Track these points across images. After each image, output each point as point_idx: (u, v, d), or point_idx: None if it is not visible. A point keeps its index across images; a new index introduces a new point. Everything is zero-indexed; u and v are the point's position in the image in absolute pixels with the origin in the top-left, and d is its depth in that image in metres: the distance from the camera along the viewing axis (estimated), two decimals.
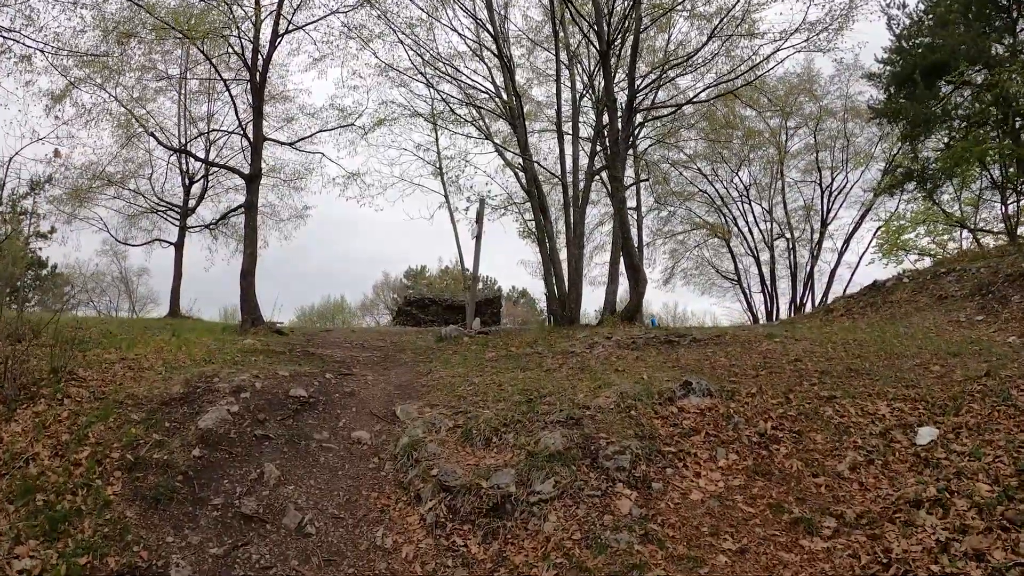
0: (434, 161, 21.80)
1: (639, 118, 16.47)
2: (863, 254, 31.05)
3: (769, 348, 10.50)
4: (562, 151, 16.02)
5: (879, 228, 30.88)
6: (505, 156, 17.16)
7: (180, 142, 24.39)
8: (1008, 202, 27.90)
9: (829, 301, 18.63)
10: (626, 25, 14.34)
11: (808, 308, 30.73)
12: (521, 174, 17.47)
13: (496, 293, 24.09)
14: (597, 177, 17.25)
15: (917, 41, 21.93)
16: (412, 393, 8.58)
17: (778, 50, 14.90)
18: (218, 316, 41.17)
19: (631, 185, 20.88)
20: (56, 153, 20.71)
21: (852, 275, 30.89)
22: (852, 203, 30.56)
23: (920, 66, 20.44)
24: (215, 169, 24.76)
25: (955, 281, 16.42)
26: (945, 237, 30.86)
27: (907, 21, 22.49)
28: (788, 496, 5.87)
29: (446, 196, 21.65)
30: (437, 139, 21.56)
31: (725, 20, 14.85)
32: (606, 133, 13.91)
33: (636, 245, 26.67)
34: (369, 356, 12.14)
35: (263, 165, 21.24)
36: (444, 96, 17.31)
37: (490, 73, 17.59)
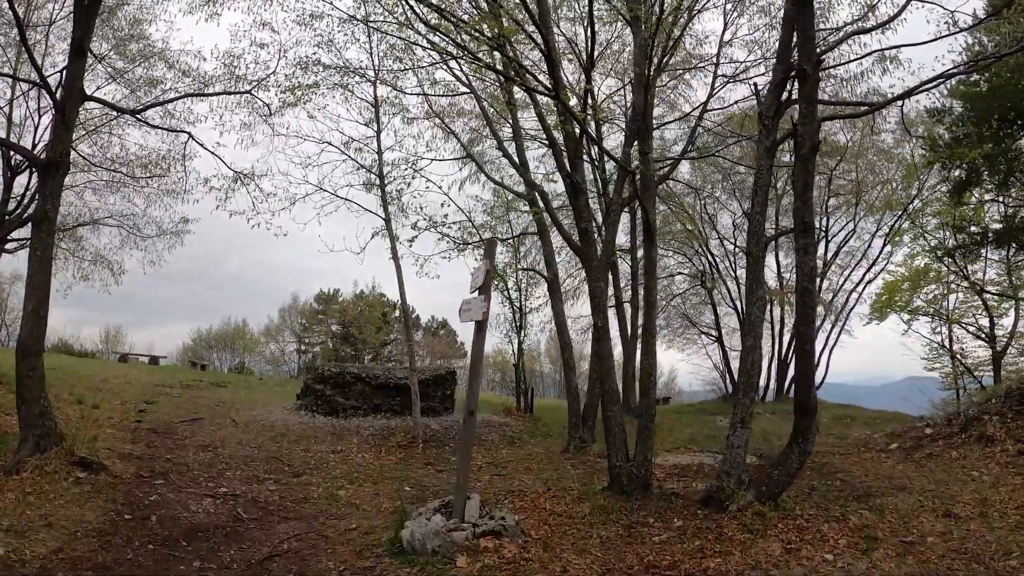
0: (372, 165, 13.41)
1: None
2: (849, 312, 25.08)
3: None
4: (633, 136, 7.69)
5: (866, 283, 25.12)
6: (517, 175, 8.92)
7: None
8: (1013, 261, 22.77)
9: (965, 409, 11.53)
10: None
11: (792, 370, 24.45)
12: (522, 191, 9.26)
13: (449, 368, 15.74)
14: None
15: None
16: None
17: None
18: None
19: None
20: None
21: (839, 335, 24.91)
22: (843, 254, 24.47)
23: None
24: None
25: None
26: (939, 295, 25.62)
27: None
28: None
29: (387, 220, 13.29)
30: (379, 131, 13.19)
31: None
32: (799, 99, 6.02)
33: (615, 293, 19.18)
34: None
35: (77, 147, 12.28)
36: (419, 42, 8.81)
37: None
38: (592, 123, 10.39)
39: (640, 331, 8.47)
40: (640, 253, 18.91)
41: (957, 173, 17.71)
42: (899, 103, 9.20)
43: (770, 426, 14.01)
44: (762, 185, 6.95)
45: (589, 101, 7.38)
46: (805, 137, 6.03)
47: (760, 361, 7.24)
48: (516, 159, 12.61)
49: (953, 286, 23.53)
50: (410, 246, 13.35)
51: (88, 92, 10.76)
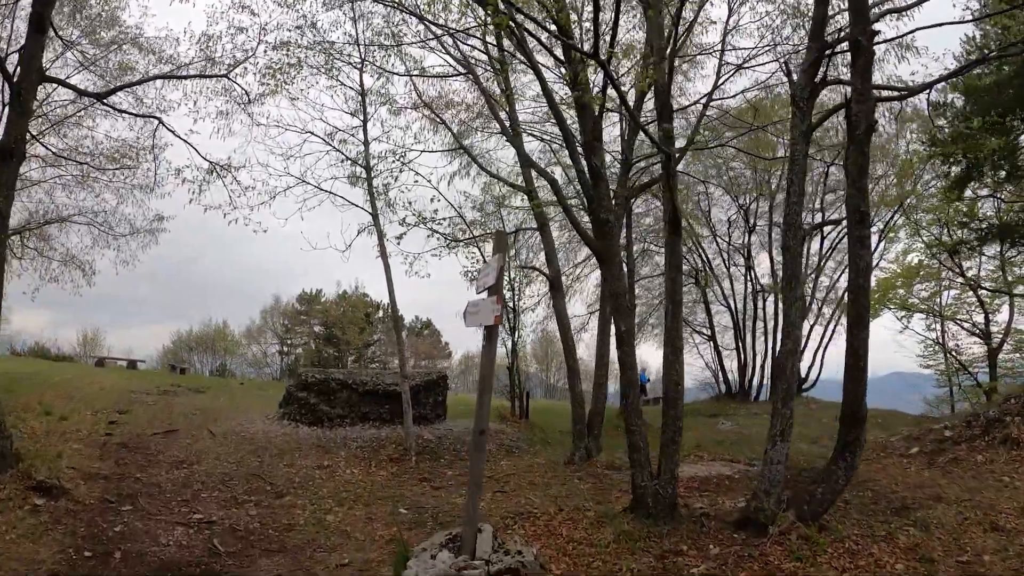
0: (358, 156, 12.52)
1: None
2: (844, 309, 24.53)
3: None
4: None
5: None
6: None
7: None
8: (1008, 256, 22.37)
9: (985, 410, 11.01)
10: None
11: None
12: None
13: (441, 372, 14.86)
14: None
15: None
16: None
17: None
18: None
19: None
20: None
21: (834, 332, 24.37)
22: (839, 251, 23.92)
23: None
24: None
25: None
26: (933, 292, 25.20)
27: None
28: None
29: (374, 215, 12.44)
30: (365, 121, 12.32)
31: None
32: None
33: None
34: None
35: (44, 140, 11.34)
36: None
37: None
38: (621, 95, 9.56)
39: (665, 333, 7.69)
40: (636, 249, 18.18)
41: (956, 168, 17.17)
42: (925, 91, 8.53)
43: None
44: (798, 172, 6.22)
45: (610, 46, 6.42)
46: (860, 116, 5.28)
47: (799, 366, 6.56)
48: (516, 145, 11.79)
49: (947, 282, 23.13)
50: (398, 243, 12.49)
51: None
